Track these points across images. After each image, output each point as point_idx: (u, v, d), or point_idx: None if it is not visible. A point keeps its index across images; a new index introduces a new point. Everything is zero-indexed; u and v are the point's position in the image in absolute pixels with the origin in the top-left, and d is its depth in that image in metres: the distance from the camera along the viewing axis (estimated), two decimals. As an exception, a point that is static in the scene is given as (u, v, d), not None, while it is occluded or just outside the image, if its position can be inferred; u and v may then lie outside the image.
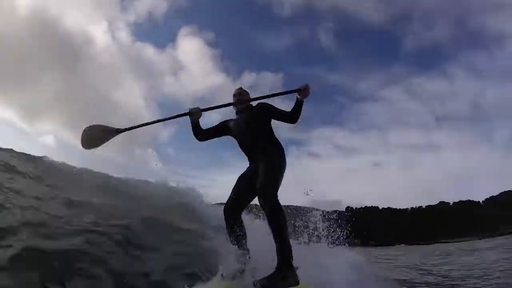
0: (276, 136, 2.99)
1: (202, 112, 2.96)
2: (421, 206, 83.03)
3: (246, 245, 2.80)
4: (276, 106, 2.99)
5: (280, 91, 2.93)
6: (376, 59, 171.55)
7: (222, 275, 2.68)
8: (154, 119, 3.13)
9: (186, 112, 2.92)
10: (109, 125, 2.95)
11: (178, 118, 2.95)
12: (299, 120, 2.86)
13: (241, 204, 2.88)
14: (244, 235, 2.81)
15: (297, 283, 2.35)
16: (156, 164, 5.31)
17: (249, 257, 2.74)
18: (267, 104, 3.03)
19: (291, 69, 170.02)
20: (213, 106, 3.05)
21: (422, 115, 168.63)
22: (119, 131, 2.91)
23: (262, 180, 2.58)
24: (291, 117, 2.86)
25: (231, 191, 2.90)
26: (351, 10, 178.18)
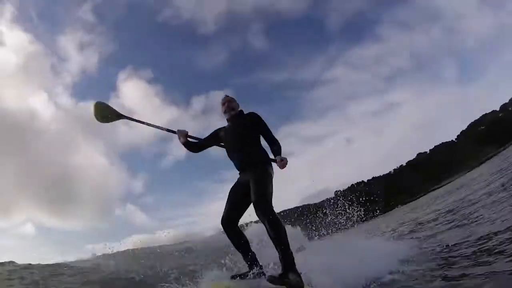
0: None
1: (188, 136, 3.17)
2: (402, 164, 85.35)
3: (250, 250, 2.93)
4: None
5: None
6: (310, 45, 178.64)
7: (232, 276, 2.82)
8: (148, 123, 3.34)
9: (174, 130, 3.19)
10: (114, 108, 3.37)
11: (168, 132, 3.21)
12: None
13: (237, 214, 2.98)
14: (246, 241, 2.94)
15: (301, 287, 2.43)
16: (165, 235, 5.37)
17: (256, 260, 2.89)
18: (258, 115, 3.14)
19: (236, 80, 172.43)
20: (194, 136, 3.24)
21: (370, 81, 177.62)
22: (120, 116, 3.31)
23: (255, 192, 2.70)
24: (273, 144, 3.03)
25: (225, 204, 3.01)
26: (273, 5, 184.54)
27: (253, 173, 2.84)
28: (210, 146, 3.27)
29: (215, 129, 3.28)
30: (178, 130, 3.16)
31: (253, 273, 2.80)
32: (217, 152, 3.26)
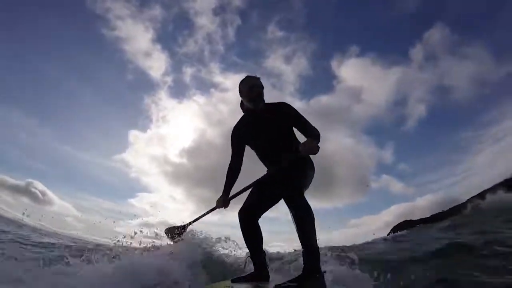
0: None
1: (228, 199, 2.69)
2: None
3: (262, 249, 2.62)
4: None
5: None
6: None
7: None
8: (204, 213, 3.02)
9: (213, 207, 2.81)
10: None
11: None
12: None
13: (261, 208, 2.60)
14: (260, 239, 2.61)
15: None
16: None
17: (265, 262, 2.61)
18: (290, 105, 2.57)
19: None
20: (240, 190, 2.70)
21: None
22: (185, 227, 3.39)
23: (288, 185, 2.35)
24: (311, 133, 2.44)
25: (249, 195, 2.62)
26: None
27: (289, 171, 2.40)
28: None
29: (234, 135, 2.66)
30: (216, 204, 2.74)
31: (257, 276, 2.53)
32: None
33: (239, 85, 2.60)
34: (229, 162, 2.70)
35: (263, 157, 2.64)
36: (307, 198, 2.33)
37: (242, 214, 2.56)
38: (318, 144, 2.31)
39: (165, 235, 3.55)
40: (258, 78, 2.58)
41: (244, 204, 2.60)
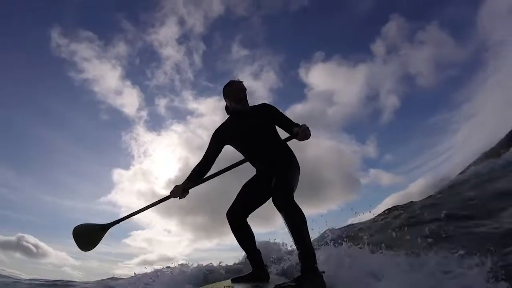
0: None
1: (187, 188, 2.58)
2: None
3: (256, 248, 2.65)
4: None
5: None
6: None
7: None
8: (141, 208, 2.78)
9: (167, 196, 2.63)
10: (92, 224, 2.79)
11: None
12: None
13: (249, 207, 2.61)
14: (253, 238, 2.62)
15: None
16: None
17: (262, 260, 2.64)
18: (271, 105, 2.72)
19: None
20: (207, 177, 2.65)
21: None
22: (106, 227, 2.74)
23: (275, 183, 2.36)
24: (294, 126, 2.55)
25: (237, 195, 2.66)
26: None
27: (277, 168, 2.47)
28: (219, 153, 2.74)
29: (216, 135, 2.71)
30: (171, 192, 2.59)
31: (256, 275, 2.58)
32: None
33: (224, 89, 2.71)
34: (199, 161, 2.67)
35: (251, 157, 2.68)
36: (298, 205, 2.32)
37: (230, 215, 2.57)
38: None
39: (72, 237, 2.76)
40: (242, 82, 2.70)
41: (232, 204, 2.62)
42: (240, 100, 2.64)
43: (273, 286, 2.18)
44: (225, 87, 2.72)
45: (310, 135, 2.44)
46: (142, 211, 2.78)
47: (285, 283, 2.18)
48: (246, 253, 2.65)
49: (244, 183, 2.69)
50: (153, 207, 2.74)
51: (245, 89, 2.68)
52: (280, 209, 2.29)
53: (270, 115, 2.65)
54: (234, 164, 2.69)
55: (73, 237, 2.72)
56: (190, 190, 2.60)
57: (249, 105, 2.71)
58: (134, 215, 2.79)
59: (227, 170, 2.69)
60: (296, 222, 2.24)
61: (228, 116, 2.78)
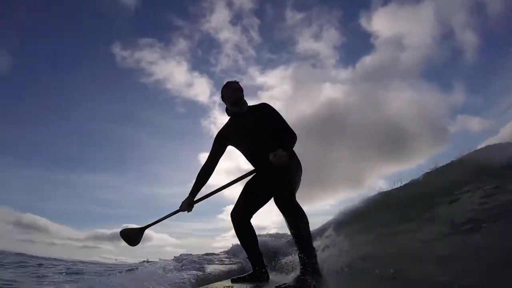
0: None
1: (192, 203, 2.61)
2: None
3: (258, 249, 2.67)
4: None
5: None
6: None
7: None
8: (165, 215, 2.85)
9: (176, 210, 2.66)
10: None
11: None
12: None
13: (253, 207, 2.64)
14: (255, 239, 2.66)
15: None
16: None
17: (263, 261, 2.66)
18: (271, 105, 2.66)
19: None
20: (207, 194, 2.65)
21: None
22: (143, 229, 2.94)
23: (278, 184, 2.37)
24: (286, 135, 2.51)
25: (239, 196, 2.68)
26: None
27: (277, 168, 2.37)
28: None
29: (218, 137, 2.71)
30: (180, 207, 2.63)
31: (256, 276, 2.59)
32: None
33: (221, 91, 2.69)
34: (203, 164, 2.70)
35: (251, 157, 2.68)
36: (300, 205, 2.36)
37: (235, 215, 2.63)
38: (293, 148, 2.48)
39: (121, 238, 3.08)
40: (238, 82, 2.67)
41: (236, 204, 2.66)
42: (236, 102, 2.60)
43: (273, 287, 2.19)
44: (222, 89, 2.70)
45: (286, 163, 2.31)
46: (168, 217, 2.79)
47: (285, 284, 2.19)
48: (248, 253, 2.68)
49: (226, 183, 2.62)
50: (204, 200, 2.72)
51: (241, 89, 2.64)
52: (282, 210, 2.34)
53: (267, 115, 2.60)
54: (241, 176, 2.61)
55: (121, 237, 3.02)
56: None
57: (249, 105, 2.67)
58: (161, 220, 2.85)
59: (234, 183, 2.61)
60: (298, 223, 2.27)
61: (229, 117, 2.76)
